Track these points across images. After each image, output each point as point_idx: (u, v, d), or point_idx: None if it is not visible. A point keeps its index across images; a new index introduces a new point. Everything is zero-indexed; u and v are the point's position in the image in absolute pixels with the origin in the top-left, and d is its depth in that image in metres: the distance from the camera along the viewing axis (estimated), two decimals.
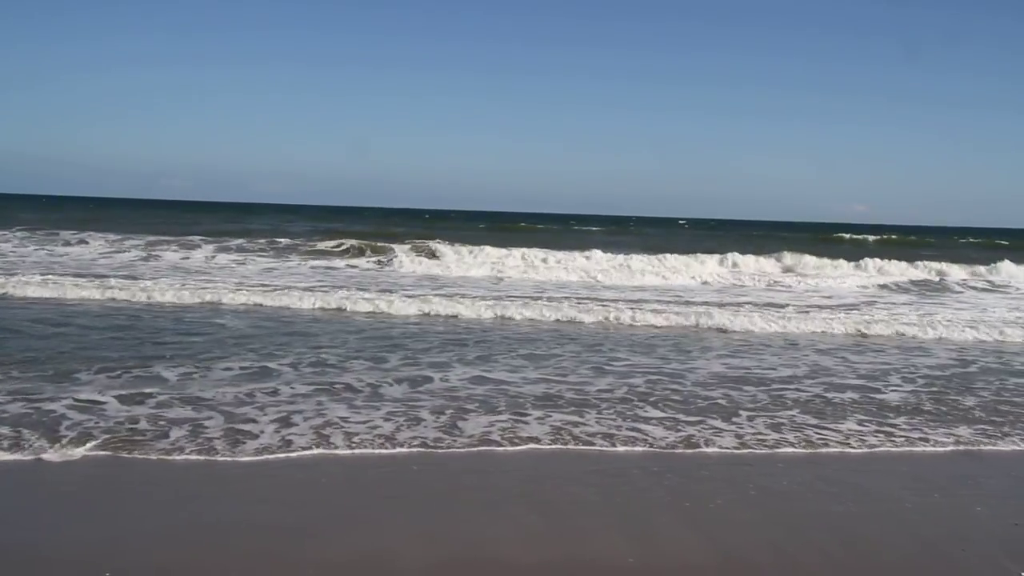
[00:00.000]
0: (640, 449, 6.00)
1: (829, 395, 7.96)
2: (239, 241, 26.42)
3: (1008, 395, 8.31)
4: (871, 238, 46.41)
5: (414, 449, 5.79)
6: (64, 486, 4.92)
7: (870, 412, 7.33)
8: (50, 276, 15.96)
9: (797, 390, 8.15)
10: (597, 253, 23.54)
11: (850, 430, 6.69)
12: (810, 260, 23.84)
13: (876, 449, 6.24)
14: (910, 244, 43.97)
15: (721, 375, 8.78)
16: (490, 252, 23.23)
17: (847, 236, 46.90)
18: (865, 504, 5.05)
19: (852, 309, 15.53)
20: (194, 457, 5.44)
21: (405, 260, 22.28)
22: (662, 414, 6.96)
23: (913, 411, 7.43)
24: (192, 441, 5.73)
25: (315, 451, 5.65)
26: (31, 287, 13.90)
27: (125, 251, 23.23)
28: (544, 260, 22.50)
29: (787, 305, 15.70)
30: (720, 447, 6.11)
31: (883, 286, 20.61)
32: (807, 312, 14.48)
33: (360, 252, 24.36)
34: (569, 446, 6.01)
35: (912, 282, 21.44)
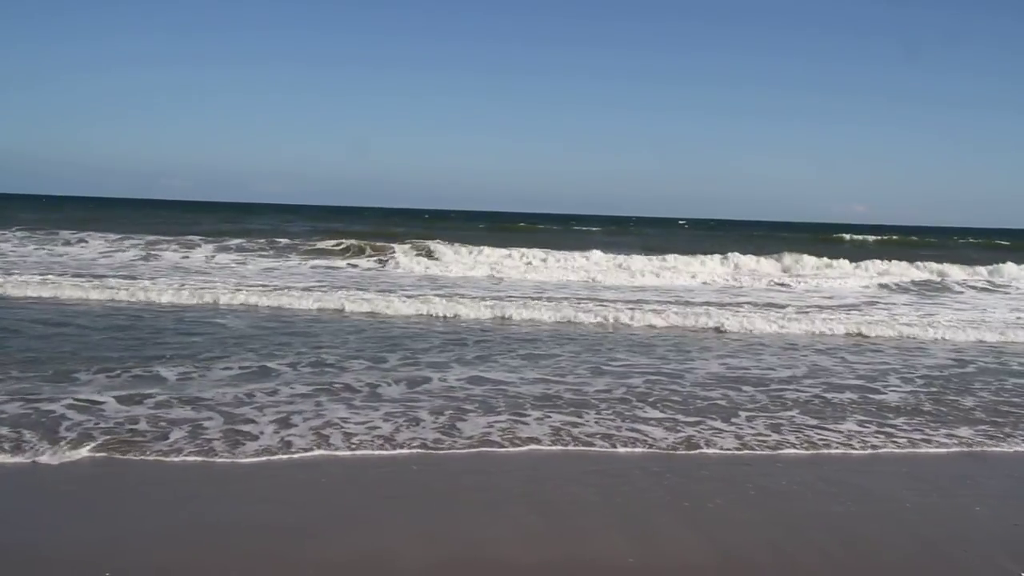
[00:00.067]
0: (640, 450, 6.00)
1: (828, 395, 7.97)
2: (239, 241, 26.41)
3: (1007, 395, 8.31)
4: (871, 238, 46.42)
5: (414, 450, 5.79)
6: (64, 486, 4.93)
7: (869, 412, 7.33)
8: (50, 276, 15.96)
9: (796, 390, 8.15)
10: (597, 253, 23.54)
11: (850, 431, 6.69)
12: (810, 260, 23.83)
13: (876, 450, 6.24)
14: (910, 244, 43.97)
15: (720, 375, 8.78)
16: (490, 252, 23.24)
17: (847, 236, 46.90)
18: (865, 504, 5.05)
19: (852, 309, 15.53)
20: (194, 458, 5.44)
21: (405, 260, 22.27)
22: (661, 415, 6.97)
23: (913, 411, 7.43)
24: (192, 442, 5.73)
25: (315, 452, 5.65)
26: (31, 287, 13.90)
27: (125, 251, 23.22)
28: (544, 260, 22.51)
29: (787, 306, 15.70)
30: (719, 448, 6.11)
31: (883, 286, 20.61)
32: (807, 313, 14.48)
33: (360, 252, 24.35)
34: (569, 447, 6.01)
35: (912, 282, 21.44)
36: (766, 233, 54.52)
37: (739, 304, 15.71)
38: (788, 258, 24.09)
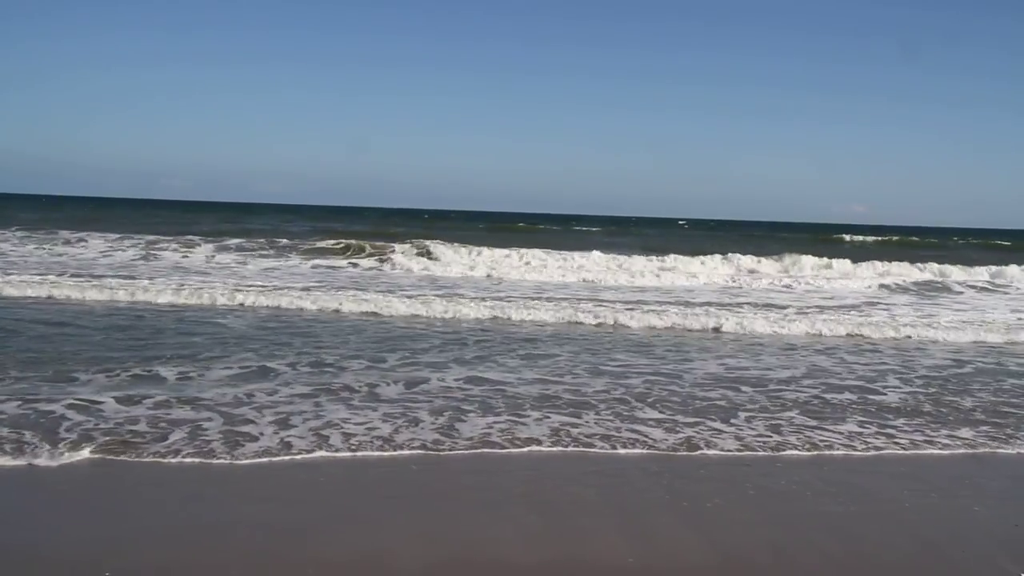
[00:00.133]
0: (639, 451, 6.00)
1: (827, 396, 7.97)
2: (238, 241, 26.40)
3: (1005, 396, 8.31)
4: (871, 239, 46.44)
5: (414, 451, 5.79)
6: (64, 487, 4.93)
7: (869, 413, 7.33)
8: (49, 276, 15.97)
9: (796, 391, 8.15)
10: (596, 254, 23.55)
11: (850, 431, 6.70)
12: (810, 261, 23.83)
13: (876, 451, 6.24)
14: (910, 245, 43.99)
15: (720, 376, 8.78)
16: (489, 252, 23.24)
17: (847, 237, 46.92)
18: (865, 505, 5.05)
19: (852, 310, 15.53)
20: (194, 459, 5.44)
21: (404, 260, 22.28)
22: (660, 415, 6.97)
23: (912, 412, 7.43)
24: (191, 442, 5.73)
25: (314, 452, 5.65)
26: (30, 287, 13.90)
27: (124, 251, 23.22)
28: (543, 261, 22.50)
29: (787, 306, 15.71)
30: (719, 448, 6.11)
31: (883, 287, 20.61)
32: (806, 313, 14.48)
33: (360, 252, 24.35)
34: (568, 448, 6.01)
35: (912, 283, 21.43)
36: (766, 233, 54.59)
37: (739, 305, 15.71)
38: (788, 258, 24.10)
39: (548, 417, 6.75)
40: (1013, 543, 4.54)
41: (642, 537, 4.41)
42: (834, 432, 6.65)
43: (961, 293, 20.22)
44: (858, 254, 27.36)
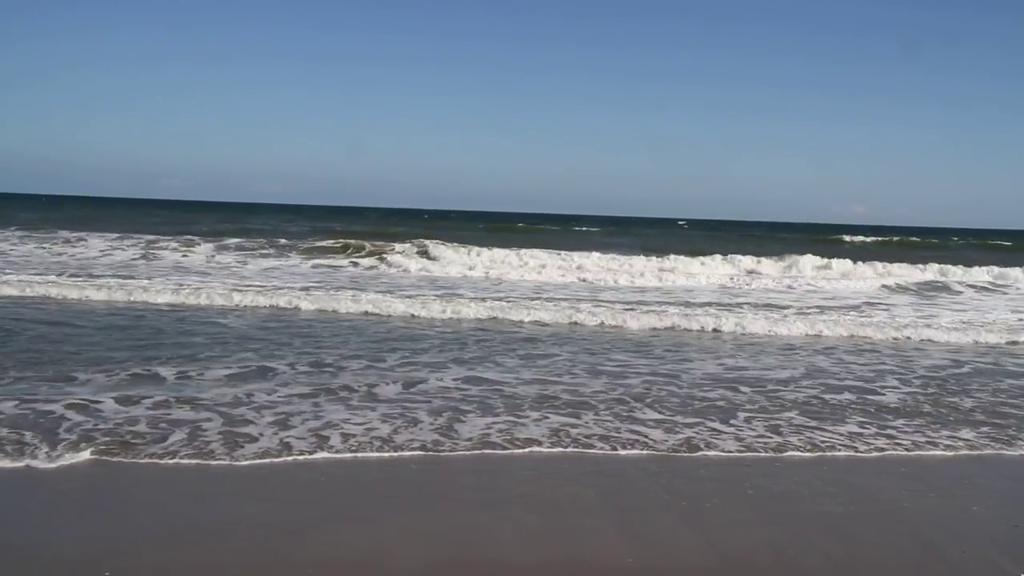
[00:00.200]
0: (639, 451, 6.00)
1: (826, 396, 7.97)
2: (238, 241, 26.43)
3: (1003, 396, 8.32)
4: (871, 239, 46.45)
5: (414, 451, 5.80)
6: (64, 487, 4.93)
7: (868, 414, 7.33)
8: (49, 276, 15.97)
9: (795, 391, 8.15)
10: (596, 254, 23.54)
11: (850, 432, 6.70)
12: (810, 261, 23.82)
13: (875, 451, 6.25)
14: (911, 245, 44.01)
15: (719, 377, 8.78)
16: (489, 253, 23.24)
17: (847, 237, 46.93)
18: (865, 505, 5.06)
19: (852, 310, 15.53)
20: (194, 459, 5.44)
21: (404, 260, 22.27)
22: (660, 415, 6.97)
23: (911, 413, 7.43)
24: (191, 442, 5.73)
25: (314, 453, 5.65)
26: (30, 287, 13.89)
27: (124, 251, 23.22)
28: (543, 261, 22.50)
29: (786, 307, 15.71)
30: (718, 448, 6.11)
31: (884, 288, 20.62)
32: (807, 314, 14.49)
33: (359, 252, 24.35)
34: (568, 448, 6.01)
35: (912, 284, 21.43)
36: (765, 233, 54.63)
37: (738, 305, 15.71)
38: (788, 259, 24.10)
39: (547, 417, 6.76)
40: (1014, 544, 4.55)
41: (642, 537, 4.41)
42: (833, 433, 6.65)
43: (961, 293, 20.24)
44: (858, 254, 27.35)
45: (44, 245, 23.75)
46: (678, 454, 5.97)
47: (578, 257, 23.06)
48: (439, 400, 7.21)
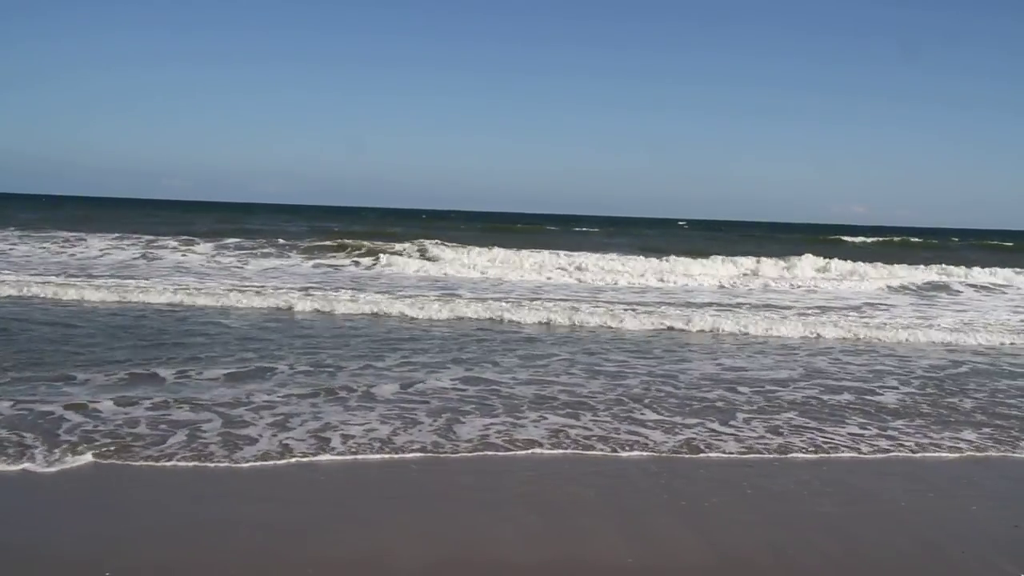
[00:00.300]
0: (638, 452, 6.01)
1: (825, 397, 7.97)
2: (238, 240, 26.42)
3: (1002, 396, 8.32)
4: (872, 240, 46.46)
5: (414, 451, 5.80)
6: (64, 488, 4.93)
7: (867, 414, 7.34)
8: (49, 276, 15.96)
9: (794, 392, 8.16)
10: (596, 254, 23.53)
11: (849, 433, 6.70)
12: (809, 261, 23.82)
13: (874, 451, 6.25)
14: (911, 246, 44.03)
15: (719, 377, 8.78)
16: (488, 253, 23.23)
17: (847, 238, 46.95)
18: (864, 505, 5.06)
19: (851, 311, 15.53)
20: (193, 460, 5.44)
21: (403, 261, 22.27)
22: (659, 416, 6.97)
23: (911, 413, 7.44)
24: (191, 443, 5.74)
25: (313, 453, 5.65)
26: (30, 287, 13.88)
27: (124, 250, 23.21)
28: (542, 261, 22.50)
29: (786, 307, 15.72)
30: (717, 449, 6.12)
31: (883, 288, 20.62)
32: (806, 314, 14.49)
33: (358, 252, 24.34)
34: (568, 449, 6.01)
35: (912, 284, 21.44)
36: (765, 234, 54.68)
37: (737, 305, 15.72)
38: (787, 259, 24.08)
39: (546, 418, 6.76)
40: (1014, 544, 4.55)
41: (642, 537, 4.41)
42: (833, 433, 6.65)
43: (960, 292, 20.25)
44: (858, 255, 27.36)
45: (44, 245, 23.74)
46: (678, 455, 5.98)
47: (578, 257, 23.06)
48: (439, 401, 7.22)
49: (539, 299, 15.39)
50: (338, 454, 5.66)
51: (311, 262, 22.37)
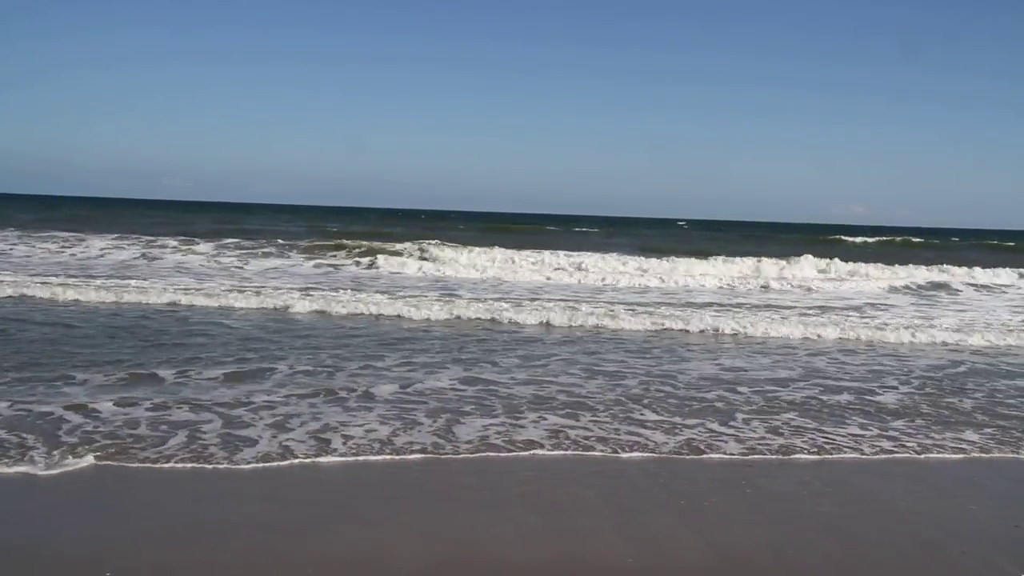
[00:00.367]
0: (638, 452, 6.00)
1: (825, 397, 7.97)
2: (238, 241, 26.43)
3: (1002, 396, 8.32)
4: (872, 240, 46.47)
5: (414, 452, 5.80)
6: (64, 488, 4.93)
7: (867, 415, 7.34)
8: (49, 276, 15.96)
9: (793, 392, 8.15)
10: (596, 254, 23.54)
11: (849, 433, 6.70)
12: (810, 262, 23.82)
13: (874, 452, 6.24)
14: (911, 246, 44.02)
15: (719, 378, 8.78)
16: (488, 253, 23.25)
17: (847, 238, 46.95)
18: (864, 506, 5.06)
19: (852, 311, 15.53)
20: (193, 460, 5.44)
21: (403, 261, 22.27)
22: (659, 416, 6.97)
23: (911, 414, 7.44)
24: (191, 444, 5.73)
25: (313, 454, 5.65)
26: (30, 287, 13.88)
27: (124, 250, 23.21)
28: (542, 261, 22.51)
29: (786, 307, 15.72)
30: (716, 449, 6.11)
31: (884, 288, 20.62)
32: (806, 314, 14.49)
33: (358, 253, 24.34)
34: (568, 449, 6.01)
35: (912, 284, 21.44)
36: (766, 234, 54.69)
37: (737, 306, 15.72)
38: (788, 260, 24.09)
39: (545, 419, 6.76)
40: (1014, 544, 4.55)
41: (642, 537, 4.41)
42: (833, 434, 6.65)
43: (961, 291, 20.26)
44: (858, 255, 27.38)
45: (44, 245, 23.74)
46: (678, 455, 5.97)
47: (578, 257, 23.06)
48: (439, 401, 7.22)
49: (539, 299, 15.39)
50: (338, 455, 5.65)
51: (311, 262, 22.38)
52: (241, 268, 20.52)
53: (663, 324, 12.59)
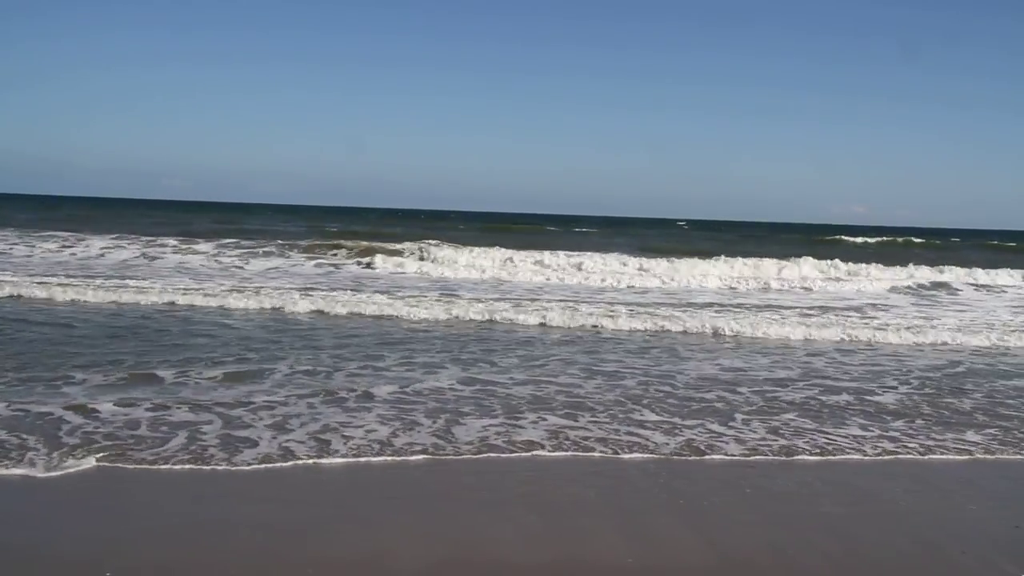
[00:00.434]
0: (638, 452, 6.00)
1: (824, 398, 7.97)
2: (238, 241, 26.41)
3: (1001, 397, 8.32)
4: (872, 240, 46.45)
5: (414, 453, 5.79)
6: (64, 489, 4.92)
7: (867, 415, 7.34)
8: (49, 276, 15.96)
9: (793, 392, 8.15)
10: (595, 255, 23.53)
11: (849, 434, 6.70)
12: (809, 262, 23.82)
13: (874, 452, 6.24)
14: (911, 246, 44.01)
15: (718, 378, 8.78)
16: (488, 253, 23.23)
17: (847, 238, 46.94)
18: (865, 506, 5.06)
19: (852, 311, 15.52)
20: (194, 461, 5.44)
21: (403, 261, 22.27)
22: (659, 417, 6.97)
23: (911, 414, 7.44)
24: (191, 444, 5.73)
25: (313, 455, 5.65)
26: (29, 288, 13.87)
27: (124, 251, 23.20)
28: (542, 262, 22.50)
29: (786, 307, 15.71)
30: (716, 449, 6.11)
31: (884, 288, 20.61)
32: (807, 315, 14.48)
33: (358, 253, 24.32)
34: (568, 450, 6.01)
35: (913, 285, 21.44)
36: (766, 234, 54.68)
37: (737, 306, 15.71)
38: (787, 260, 24.08)
39: (545, 419, 6.75)
40: (1014, 544, 4.55)
41: (642, 538, 4.41)
42: (832, 434, 6.65)
43: (960, 291, 20.26)
44: (858, 255, 27.38)
45: (44, 245, 23.73)
46: (678, 455, 5.97)
47: (578, 257, 23.05)
48: (438, 402, 7.21)
49: (538, 299, 15.38)
50: (338, 456, 5.65)
51: (311, 262, 22.37)
52: (241, 268, 20.52)
53: (663, 324, 12.58)
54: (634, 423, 6.71)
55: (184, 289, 14.37)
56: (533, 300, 15.16)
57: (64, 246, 23.70)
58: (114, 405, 6.59)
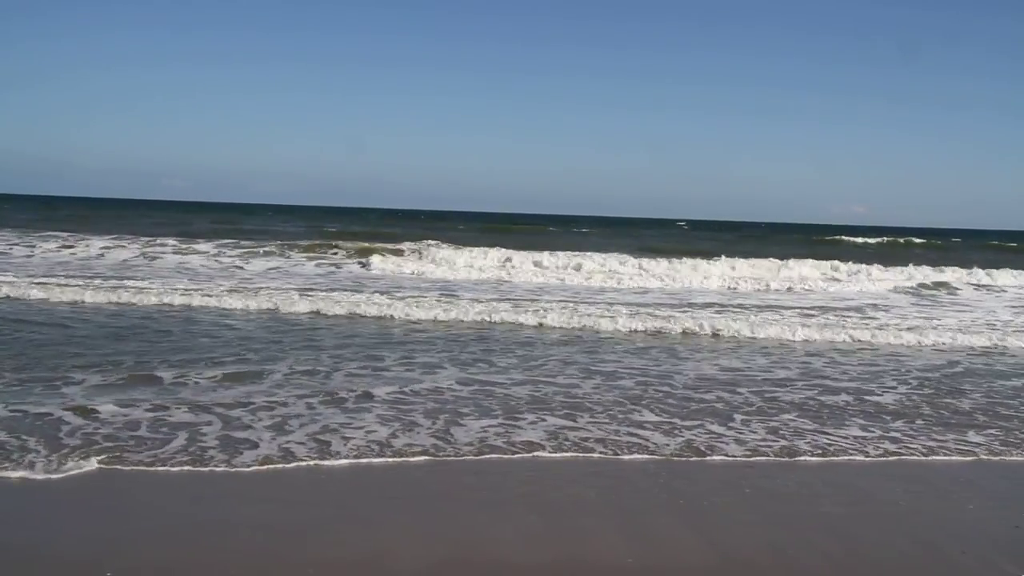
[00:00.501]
0: (638, 453, 6.00)
1: (823, 398, 7.97)
2: (238, 241, 26.40)
3: (1001, 397, 8.32)
4: (872, 240, 46.46)
5: (414, 453, 5.79)
6: (65, 490, 4.92)
7: (867, 415, 7.34)
8: (49, 276, 15.95)
9: (792, 392, 8.15)
10: (595, 255, 23.52)
11: (849, 434, 6.70)
12: (809, 262, 23.81)
13: (874, 452, 6.24)
14: (911, 247, 44.02)
15: (718, 379, 8.78)
16: (488, 254, 23.23)
17: (847, 238, 46.95)
18: (865, 506, 5.06)
19: (852, 312, 15.52)
20: (194, 462, 5.44)
21: (403, 261, 22.27)
22: (658, 417, 6.97)
23: (911, 414, 7.44)
24: (191, 445, 5.73)
25: (313, 456, 5.65)
26: (29, 288, 13.87)
27: (124, 251, 23.19)
28: (542, 262, 22.49)
29: (786, 308, 15.71)
30: (716, 450, 6.11)
31: (885, 289, 20.62)
32: (808, 315, 14.48)
33: (358, 253, 24.31)
34: (568, 450, 6.01)
35: (913, 285, 21.43)
36: (765, 234, 54.74)
37: (737, 306, 15.71)
38: (787, 260, 24.08)
39: (544, 420, 6.76)
40: (1014, 544, 4.55)
41: (642, 538, 4.41)
42: (832, 434, 6.65)
43: (960, 291, 20.26)
44: (858, 255, 27.37)
45: (44, 245, 23.72)
46: (678, 455, 5.97)
47: (578, 258, 23.05)
48: (438, 403, 7.21)
49: (538, 300, 15.38)
50: (338, 456, 5.65)
51: (311, 262, 22.36)
52: (241, 268, 20.52)
53: (663, 325, 12.58)
54: (634, 423, 6.72)
55: (184, 289, 14.36)
56: (533, 301, 15.16)
57: (64, 246, 23.69)
58: (114, 406, 6.59)
